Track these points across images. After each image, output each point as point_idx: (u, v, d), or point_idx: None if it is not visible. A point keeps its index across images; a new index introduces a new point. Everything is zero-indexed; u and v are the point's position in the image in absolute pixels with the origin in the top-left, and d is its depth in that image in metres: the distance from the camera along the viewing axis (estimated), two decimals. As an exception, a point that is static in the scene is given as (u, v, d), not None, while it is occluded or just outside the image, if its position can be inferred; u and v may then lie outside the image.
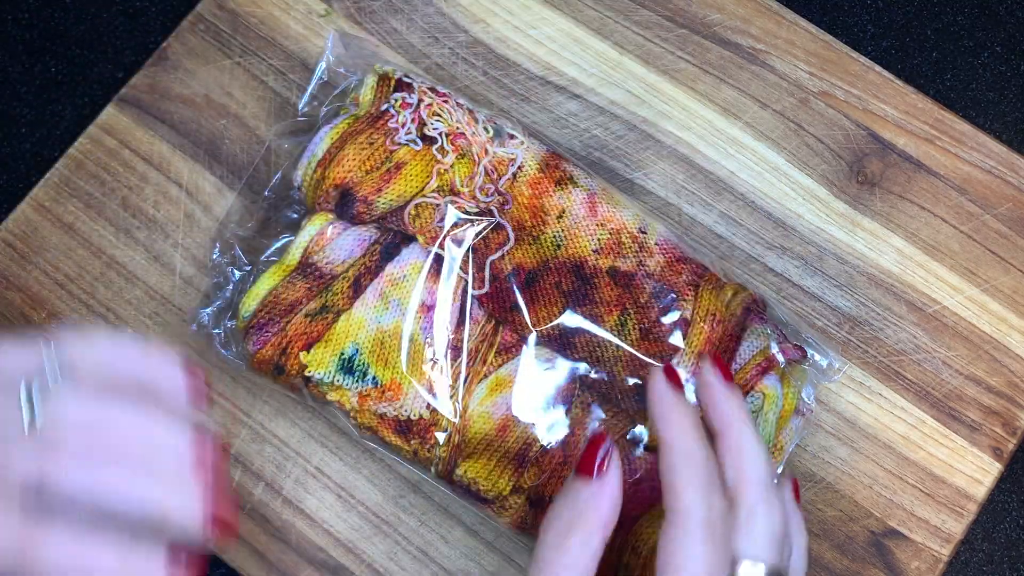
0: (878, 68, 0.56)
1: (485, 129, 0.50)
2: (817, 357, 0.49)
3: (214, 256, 0.52)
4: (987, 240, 0.53)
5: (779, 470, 0.48)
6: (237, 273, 0.51)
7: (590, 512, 0.37)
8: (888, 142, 0.55)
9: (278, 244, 0.51)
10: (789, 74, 0.56)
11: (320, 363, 0.47)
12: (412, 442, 0.48)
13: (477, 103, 0.55)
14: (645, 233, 0.49)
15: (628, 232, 0.49)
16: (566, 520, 0.37)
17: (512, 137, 0.50)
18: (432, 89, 0.50)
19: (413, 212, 0.49)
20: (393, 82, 0.50)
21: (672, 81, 0.56)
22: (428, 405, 0.47)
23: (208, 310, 0.51)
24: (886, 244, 0.54)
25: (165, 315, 0.54)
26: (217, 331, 0.50)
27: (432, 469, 0.48)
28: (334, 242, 0.49)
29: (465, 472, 0.47)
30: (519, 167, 0.50)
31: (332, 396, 0.48)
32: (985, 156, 0.54)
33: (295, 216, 0.52)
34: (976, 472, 0.51)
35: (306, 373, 0.47)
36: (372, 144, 0.49)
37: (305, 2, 0.57)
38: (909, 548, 0.51)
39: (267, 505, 0.51)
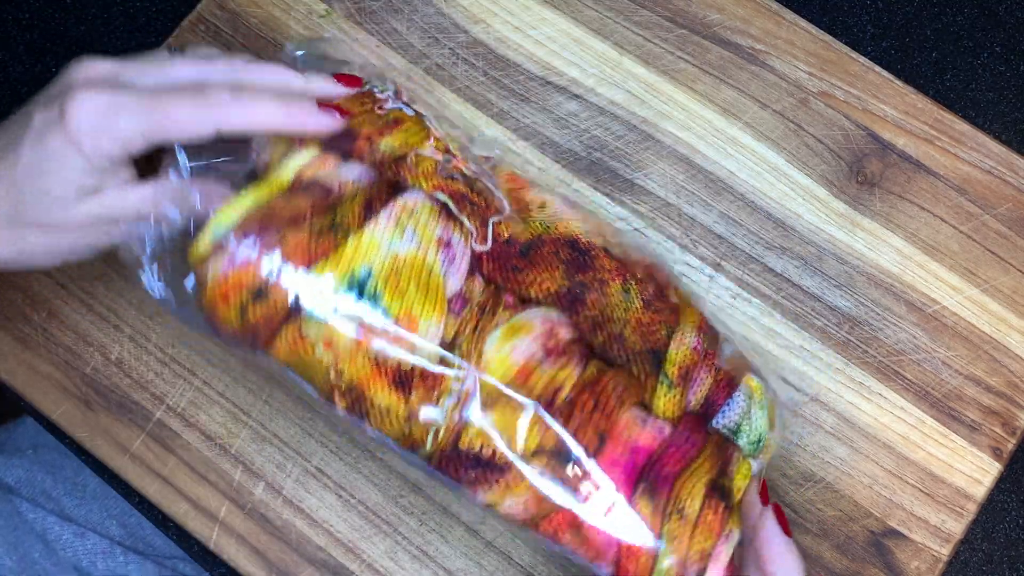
0: (878, 68, 0.56)
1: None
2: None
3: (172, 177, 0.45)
4: (987, 240, 0.54)
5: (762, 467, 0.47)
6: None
7: None
8: (888, 142, 0.55)
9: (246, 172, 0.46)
10: (789, 74, 0.56)
11: (324, 284, 0.42)
12: (411, 397, 0.42)
13: (477, 104, 0.55)
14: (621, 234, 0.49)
15: (609, 229, 0.49)
16: None
17: (487, 159, 0.50)
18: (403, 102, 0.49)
19: (414, 160, 0.45)
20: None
21: (672, 81, 0.56)
22: (440, 353, 0.42)
23: (146, 236, 0.44)
24: (886, 244, 0.54)
25: (166, 314, 0.54)
26: (154, 265, 0.44)
27: (428, 442, 0.43)
28: (339, 167, 0.45)
29: (472, 439, 0.42)
30: (494, 165, 0.49)
31: (318, 335, 0.42)
32: (985, 156, 0.54)
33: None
34: (976, 472, 0.51)
35: (300, 301, 0.41)
36: (363, 102, 0.46)
37: (305, 3, 0.57)
38: (909, 548, 0.51)
39: (267, 505, 0.52)
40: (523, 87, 0.56)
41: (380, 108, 0.47)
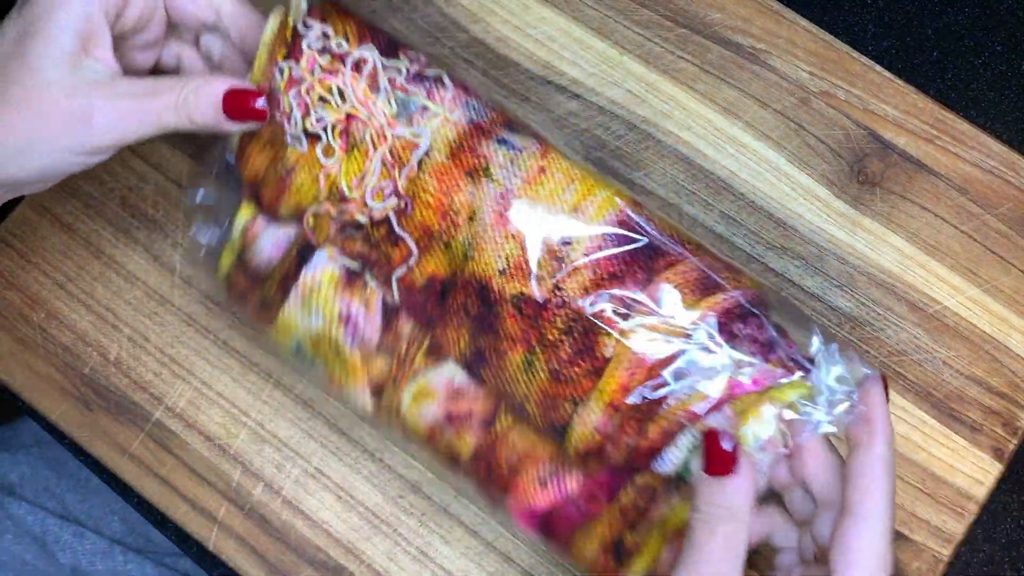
0: (878, 68, 0.56)
1: (389, 102, 0.42)
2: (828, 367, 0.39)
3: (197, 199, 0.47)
4: (988, 240, 0.53)
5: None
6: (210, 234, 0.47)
7: (735, 506, 0.36)
8: (888, 142, 0.55)
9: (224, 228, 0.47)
10: (789, 74, 0.56)
11: (280, 344, 0.46)
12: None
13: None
14: (570, 244, 0.40)
15: (545, 247, 0.40)
16: (711, 519, 0.36)
17: (425, 110, 0.42)
18: (325, 50, 0.42)
19: (311, 223, 0.43)
20: (290, 34, 0.42)
21: (672, 81, 0.56)
22: (368, 410, 0.45)
23: (204, 231, 0.47)
24: (886, 244, 0.54)
25: (164, 315, 0.54)
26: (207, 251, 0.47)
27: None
28: (257, 242, 0.45)
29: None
30: (425, 153, 0.41)
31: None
32: (986, 156, 0.54)
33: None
34: (977, 472, 0.51)
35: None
36: (273, 143, 0.43)
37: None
38: (909, 548, 0.50)
39: (267, 505, 0.51)
40: (523, 87, 0.56)
41: (285, 139, 0.42)
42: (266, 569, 0.51)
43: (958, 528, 0.51)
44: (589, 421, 0.40)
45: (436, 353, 0.43)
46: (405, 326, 0.43)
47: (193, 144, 0.56)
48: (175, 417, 0.53)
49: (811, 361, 0.39)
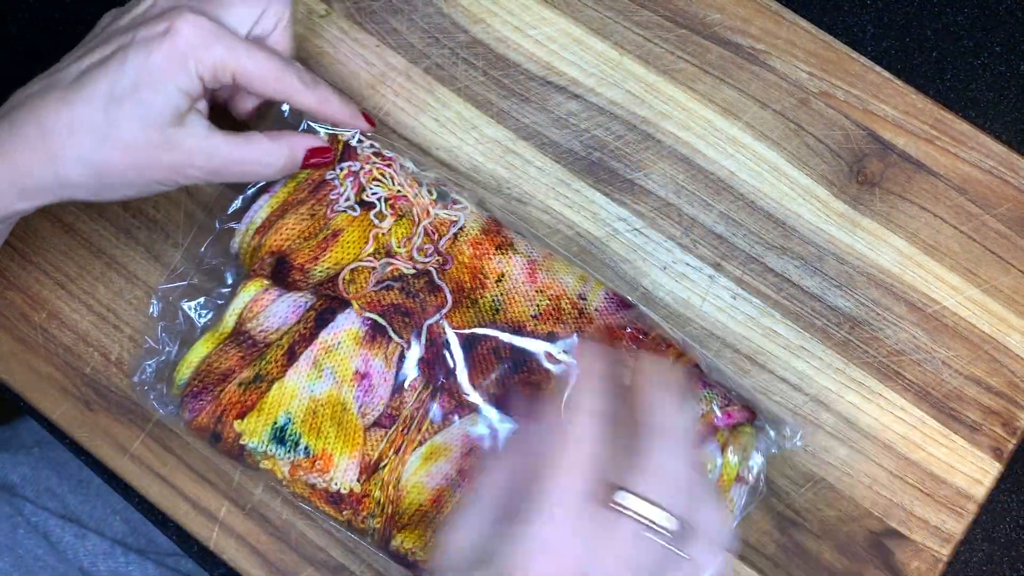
0: (878, 68, 0.56)
1: (428, 192, 0.51)
2: (770, 427, 0.49)
3: (152, 312, 0.52)
4: (987, 240, 0.54)
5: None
6: (174, 339, 0.51)
7: None
8: (888, 142, 0.55)
9: (210, 314, 0.51)
10: (789, 74, 0.56)
11: (253, 432, 0.47)
12: (345, 512, 0.48)
13: (477, 104, 0.55)
14: (585, 299, 0.49)
15: (568, 299, 0.49)
16: None
17: (456, 202, 0.51)
18: (377, 154, 0.51)
19: (348, 277, 0.49)
20: (341, 146, 0.51)
21: (672, 81, 0.56)
22: (360, 477, 0.47)
23: (150, 363, 0.51)
24: (886, 244, 0.54)
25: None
26: (158, 387, 0.50)
27: (368, 538, 0.48)
28: (268, 309, 0.48)
29: (401, 543, 0.47)
30: (460, 228, 0.50)
31: (264, 465, 0.48)
32: (985, 156, 0.54)
33: (229, 278, 0.52)
34: (976, 472, 0.51)
35: (240, 442, 0.47)
36: (313, 215, 0.49)
37: (305, 2, 0.57)
38: (909, 548, 0.51)
39: (267, 505, 0.51)
40: (523, 87, 0.56)
41: (330, 210, 0.49)
42: (267, 568, 0.51)
43: (957, 528, 0.51)
44: None
45: (443, 421, 0.48)
46: (411, 394, 0.48)
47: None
48: (176, 417, 0.53)
49: (752, 411, 0.48)
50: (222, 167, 0.46)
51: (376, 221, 0.49)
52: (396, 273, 0.48)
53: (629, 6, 0.57)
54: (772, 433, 0.48)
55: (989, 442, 0.51)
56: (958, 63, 0.60)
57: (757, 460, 0.48)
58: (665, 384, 0.38)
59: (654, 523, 0.34)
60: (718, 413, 0.47)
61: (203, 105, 0.46)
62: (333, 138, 0.50)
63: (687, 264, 0.54)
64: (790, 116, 0.55)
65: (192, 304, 0.51)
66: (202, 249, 0.52)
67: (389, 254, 0.49)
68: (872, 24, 0.61)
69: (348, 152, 0.51)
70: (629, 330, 0.48)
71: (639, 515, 0.34)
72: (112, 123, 0.43)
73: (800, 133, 0.55)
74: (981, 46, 0.61)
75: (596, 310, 0.49)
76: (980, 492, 0.51)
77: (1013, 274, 0.53)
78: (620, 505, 0.34)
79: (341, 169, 0.50)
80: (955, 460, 0.51)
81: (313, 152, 0.49)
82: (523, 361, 0.48)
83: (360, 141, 0.51)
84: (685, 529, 0.35)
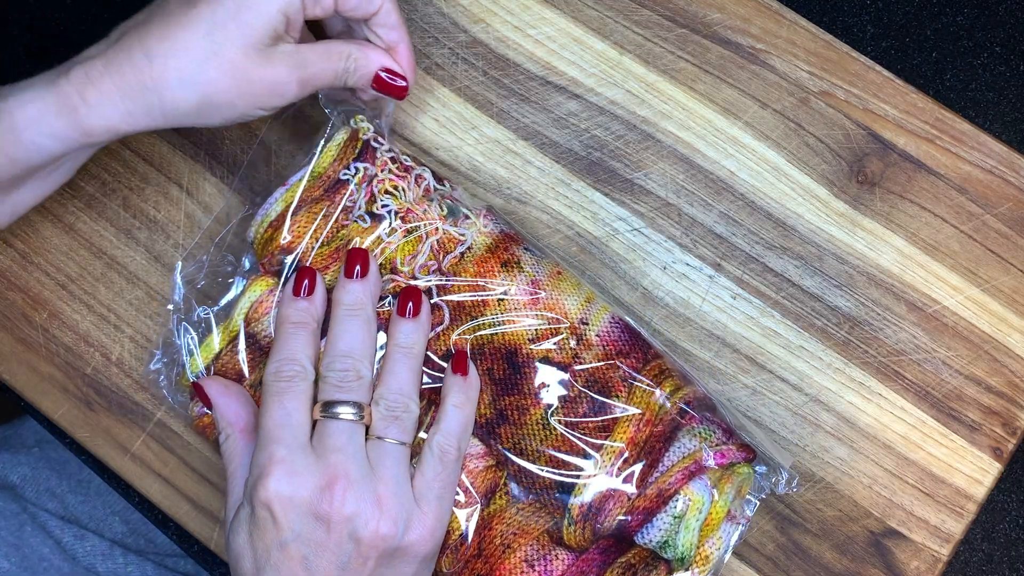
0: (878, 68, 0.56)
1: (440, 206, 0.50)
2: (765, 468, 0.48)
3: (176, 281, 0.52)
4: (987, 240, 0.54)
5: None
6: (190, 330, 0.51)
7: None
8: (888, 142, 0.55)
9: (220, 304, 0.51)
10: (789, 74, 0.56)
11: None
12: None
13: (477, 103, 0.55)
14: (587, 324, 0.49)
15: (568, 323, 0.48)
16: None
17: (466, 218, 0.50)
18: (394, 159, 0.50)
19: None
20: (360, 144, 0.50)
21: (672, 81, 0.56)
22: None
23: (159, 352, 0.51)
24: (886, 244, 0.54)
25: (166, 316, 0.54)
26: (172, 374, 0.51)
27: None
28: (272, 313, 0.48)
29: None
30: (468, 247, 0.50)
31: None
32: (985, 156, 0.54)
33: (229, 269, 0.52)
34: (976, 472, 0.51)
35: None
36: (327, 217, 0.49)
37: (305, 2, 0.57)
38: (909, 548, 0.51)
39: (268, 505, 0.52)
40: (523, 87, 0.56)
41: (345, 217, 0.49)
42: (267, 568, 0.51)
43: (957, 527, 0.51)
44: (593, 483, 0.46)
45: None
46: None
47: (193, 145, 0.56)
48: (176, 417, 0.53)
49: (751, 449, 0.47)
50: (312, 76, 0.48)
51: (384, 236, 0.49)
52: (397, 290, 0.48)
53: (629, 6, 0.57)
54: (771, 476, 0.48)
55: (989, 442, 0.51)
56: (958, 63, 0.60)
57: (751, 501, 0.48)
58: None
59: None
60: (709, 452, 0.46)
61: (296, 35, 0.48)
62: (354, 133, 0.50)
63: (687, 264, 0.54)
64: (790, 116, 0.55)
65: (203, 285, 0.52)
66: (219, 237, 0.53)
67: (393, 270, 0.49)
68: (872, 24, 0.61)
69: (366, 152, 0.50)
70: (628, 359, 0.48)
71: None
72: (214, 45, 0.45)
73: (800, 133, 0.55)
74: (981, 46, 0.61)
75: (597, 336, 0.48)
76: (980, 492, 0.51)
77: (1013, 274, 0.53)
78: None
79: (356, 171, 0.50)
80: (955, 460, 0.51)
81: (388, 71, 0.50)
82: (514, 384, 0.47)
83: (379, 143, 0.50)
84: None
